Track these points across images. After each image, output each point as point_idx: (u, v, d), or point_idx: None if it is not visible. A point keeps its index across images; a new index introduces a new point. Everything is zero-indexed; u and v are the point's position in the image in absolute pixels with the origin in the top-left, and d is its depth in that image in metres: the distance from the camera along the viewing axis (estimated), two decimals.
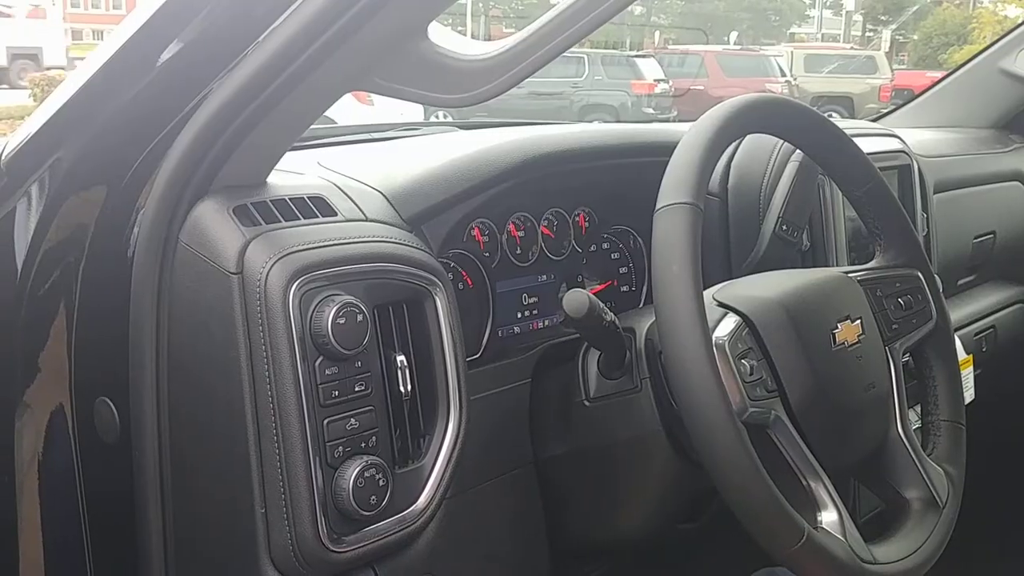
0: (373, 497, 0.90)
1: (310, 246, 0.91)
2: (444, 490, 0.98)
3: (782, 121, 1.07)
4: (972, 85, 2.23)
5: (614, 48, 14.62)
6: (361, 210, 1.01)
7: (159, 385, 0.93)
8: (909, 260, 1.16)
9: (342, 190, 1.03)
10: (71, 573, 1.04)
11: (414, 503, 0.96)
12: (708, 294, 1.01)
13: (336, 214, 0.98)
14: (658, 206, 0.91)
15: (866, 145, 1.18)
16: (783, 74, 15.56)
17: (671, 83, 14.00)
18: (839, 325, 1.02)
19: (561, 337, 1.24)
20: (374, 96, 0.94)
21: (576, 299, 0.98)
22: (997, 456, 1.74)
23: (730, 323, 0.98)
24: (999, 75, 2.19)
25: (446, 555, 1.03)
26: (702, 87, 13.80)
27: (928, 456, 1.11)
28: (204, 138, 0.90)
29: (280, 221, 0.93)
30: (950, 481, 1.10)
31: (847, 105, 15.13)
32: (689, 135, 0.95)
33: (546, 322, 1.30)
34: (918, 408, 1.22)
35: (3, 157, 1.00)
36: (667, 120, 10.33)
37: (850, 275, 1.11)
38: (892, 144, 1.66)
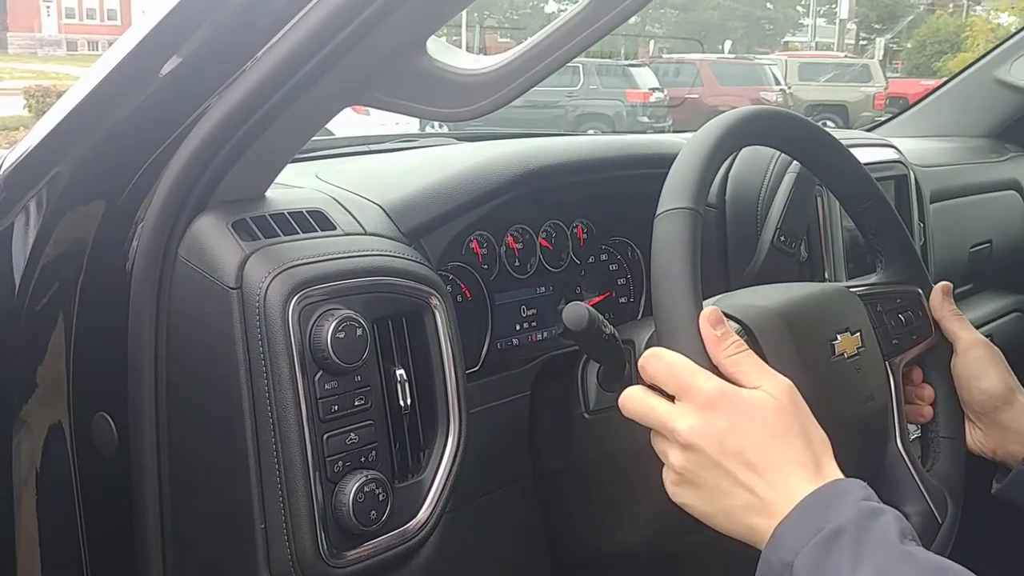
0: (373, 512, 0.90)
1: (309, 260, 0.91)
2: (444, 504, 0.98)
3: (783, 134, 1.08)
4: (967, 94, 2.24)
5: (609, 57, 14.65)
6: (360, 224, 1.01)
7: (158, 400, 0.93)
8: (910, 277, 1.16)
9: (341, 204, 1.03)
10: None
11: (414, 517, 0.96)
12: (708, 304, 1.01)
13: (335, 228, 0.98)
14: (658, 211, 0.91)
15: (863, 155, 1.19)
16: (777, 82, 15.61)
17: (666, 92, 14.04)
18: (838, 336, 1.02)
19: (560, 349, 1.24)
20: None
21: (576, 312, 0.98)
22: (995, 469, 1.73)
23: None
24: (994, 84, 2.20)
25: (446, 569, 1.03)
26: (697, 96, 13.85)
27: (927, 471, 1.10)
28: (203, 152, 0.90)
29: (279, 235, 0.93)
30: (949, 497, 1.09)
31: (841, 113, 15.19)
32: (690, 144, 0.95)
33: (545, 334, 1.30)
34: None
35: (2, 171, 1.00)
36: (662, 129, 10.36)
37: (851, 289, 1.11)
38: (889, 154, 1.67)
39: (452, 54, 0.89)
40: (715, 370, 0.85)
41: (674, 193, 0.91)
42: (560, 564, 1.21)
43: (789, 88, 15.78)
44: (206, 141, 0.89)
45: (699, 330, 0.86)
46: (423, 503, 0.96)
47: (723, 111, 1.02)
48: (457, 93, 0.89)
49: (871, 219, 1.14)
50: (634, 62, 15.26)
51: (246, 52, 0.86)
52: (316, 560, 0.88)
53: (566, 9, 0.89)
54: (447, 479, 0.97)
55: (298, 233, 0.94)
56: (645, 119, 13.26)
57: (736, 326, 0.99)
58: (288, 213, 0.95)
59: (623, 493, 1.13)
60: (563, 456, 1.15)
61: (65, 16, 34.00)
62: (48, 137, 0.97)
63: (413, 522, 0.95)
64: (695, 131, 1.01)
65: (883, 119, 2.40)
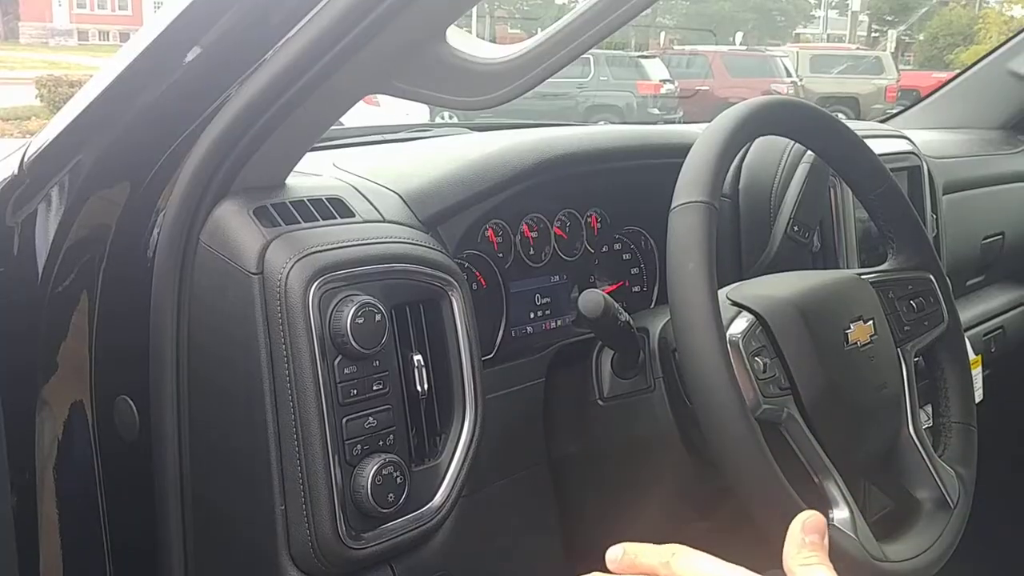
0: (391, 495, 0.91)
1: (329, 247, 0.92)
2: (460, 488, 0.99)
3: (797, 123, 1.08)
4: (981, 86, 2.24)
5: (620, 49, 14.61)
6: (378, 211, 1.02)
7: (179, 384, 0.95)
8: (921, 263, 1.17)
9: (359, 191, 1.04)
10: (91, 570, 1.05)
11: (430, 501, 0.97)
12: (722, 293, 1.01)
13: (354, 215, 0.99)
14: (674, 204, 0.92)
15: (876, 146, 1.19)
16: (789, 75, 15.54)
17: (677, 84, 14.00)
18: (852, 325, 1.03)
19: (573, 337, 1.25)
20: (380, 97, 0.95)
21: (592, 299, 0.99)
22: (1005, 456, 1.74)
23: (743, 322, 0.98)
24: (1008, 76, 2.19)
25: (461, 553, 1.04)
26: (707, 88, 13.80)
27: (939, 457, 1.11)
28: (225, 140, 0.91)
29: (299, 222, 0.94)
30: (961, 482, 1.10)
31: (853, 106, 15.10)
32: (705, 135, 0.96)
33: (558, 322, 1.31)
34: (928, 408, 1.22)
35: (25, 159, 1.02)
36: (673, 121, 10.32)
37: (863, 277, 1.12)
38: (902, 145, 1.67)
39: (471, 43, 0.90)
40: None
41: (689, 186, 0.92)
42: (572, 548, 1.23)
43: (801, 80, 15.70)
44: (228, 129, 0.90)
45: (716, 329, 0.86)
46: (439, 487, 0.97)
47: (734, 103, 1.03)
48: (476, 82, 0.90)
49: (883, 206, 1.15)
50: (645, 53, 15.19)
51: (268, 40, 0.87)
52: (335, 542, 0.90)
53: (577, 0, 0.90)
54: (463, 463, 0.99)
55: (318, 220, 0.95)
56: (656, 111, 13.22)
57: (750, 316, 1.00)
58: (308, 200, 0.97)
59: (635, 479, 1.14)
60: (577, 442, 1.17)
61: (76, 6, 34.03)
62: (71, 125, 0.98)
63: (430, 505, 0.96)
64: (707, 122, 1.02)
65: (895, 111, 2.40)
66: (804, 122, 1.09)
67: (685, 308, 0.88)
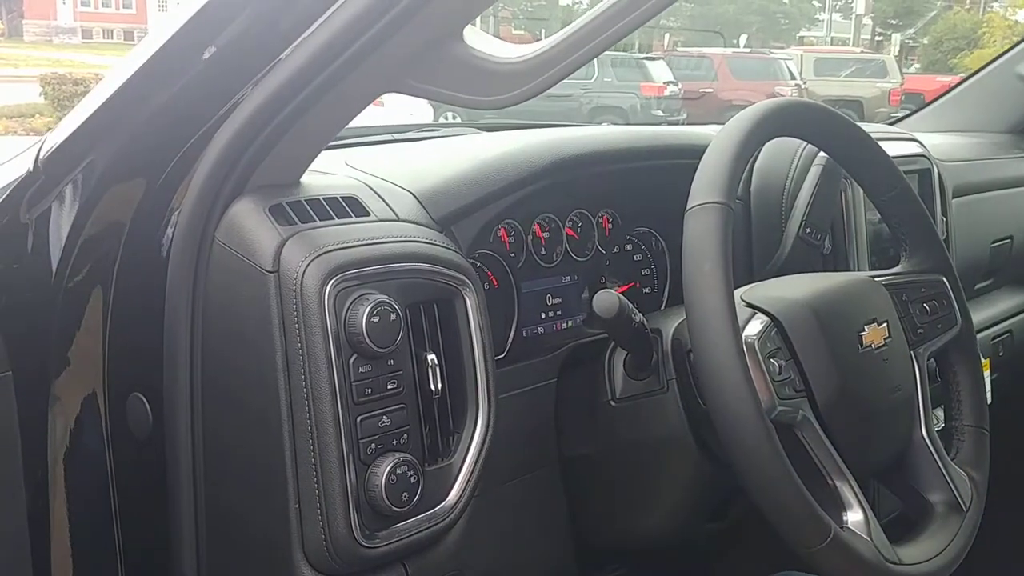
0: (405, 493, 0.91)
1: (345, 245, 0.92)
2: (473, 487, 0.99)
3: (812, 125, 1.09)
4: (989, 90, 2.24)
5: (624, 50, 14.59)
6: (393, 210, 1.02)
7: (193, 382, 0.95)
8: (935, 266, 1.17)
9: (374, 190, 1.04)
10: (102, 566, 1.05)
11: (444, 500, 0.97)
12: (736, 295, 1.01)
13: (369, 214, 0.99)
14: (690, 205, 0.92)
15: (887, 149, 1.20)
16: (793, 77, 15.52)
17: (681, 86, 13.99)
18: (866, 328, 1.03)
19: (584, 338, 1.25)
20: (384, 97, 0.96)
21: (606, 300, 0.99)
22: (1014, 459, 1.74)
23: (758, 323, 0.99)
24: (1016, 80, 2.19)
25: (473, 552, 1.04)
26: (712, 90, 13.80)
27: (952, 460, 1.11)
28: (241, 138, 0.91)
29: (315, 220, 0.94)
30: (973, 485, 1.10)
31: (857, 109, 15.08)
32: (720, 137, 0.96)
33: (569, 323, 1.31)
34: (938, 412, 1.22)
35: (40, 156, 1.02)
36: (677, 123, 10.33)
37: (876, 279, 1.12)
38: (912, 148, 1.67)
39: (488, 42, 0.90)
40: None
41: (706, 187, 0.92)
42: (584, 549, 1.23)
43: (804, 83, 15.69)
44: (244, 128, 0.91)
45: (732, 330, 0.86)
46: (453, 486, 0.97)
47: (739, 105, 1.03)
48: (492, 81, 0.90)
49: (896, 208, 1.15)
50: (649, 55, 15.16)
51: (283, 41, 0.87)
52: (349, 540, 0.89)
53: (582, 1, 0.90)
54: (476, 463, 0.99)
55: (333, 218, 0.95)
56: (660, 113, 13.20)
57: (765, 318, 1.00)
58: (323, 199, 0.97)
59: (647, 480, 1.14)
60: (589, 443, 1.17)
61: (80, 4, 34.07)
62: (86, 122, 0.98)
63: (443, 505, 0.96)
64: (712, 123, 1.02)
65: (901, 115, 2.40)
66: (818, 124, 1.09)
67: (701, 309, 0.88)
